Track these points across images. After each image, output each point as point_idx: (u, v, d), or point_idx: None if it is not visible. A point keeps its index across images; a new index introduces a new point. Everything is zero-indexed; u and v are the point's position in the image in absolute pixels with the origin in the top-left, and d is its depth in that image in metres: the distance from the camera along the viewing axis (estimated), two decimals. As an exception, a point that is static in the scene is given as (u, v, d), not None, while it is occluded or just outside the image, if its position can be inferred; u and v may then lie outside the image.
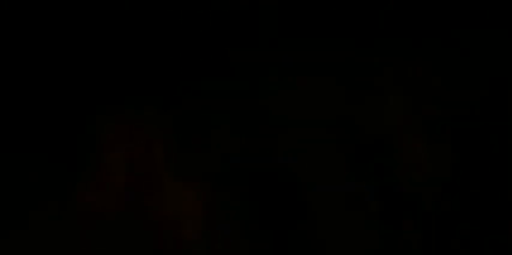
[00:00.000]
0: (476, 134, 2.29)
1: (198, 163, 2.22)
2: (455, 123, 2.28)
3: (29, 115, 2.21)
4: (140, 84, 2.25)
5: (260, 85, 2.32)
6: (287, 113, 2.32)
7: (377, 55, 2.35)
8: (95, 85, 2.23)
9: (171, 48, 2.28)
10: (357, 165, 2.28)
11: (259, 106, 2.33)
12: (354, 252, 2.20)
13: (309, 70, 2.34)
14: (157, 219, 2.14)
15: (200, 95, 2.30)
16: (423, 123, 2.29)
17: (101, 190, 2.14)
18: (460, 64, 2.33)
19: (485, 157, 2.30)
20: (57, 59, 2.28)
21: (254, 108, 2.31)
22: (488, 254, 2.26)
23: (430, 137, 2.27)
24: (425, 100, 2.31)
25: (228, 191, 2.22)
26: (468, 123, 2.28)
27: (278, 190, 2.23)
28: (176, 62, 2.28)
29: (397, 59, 2.37)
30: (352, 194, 2.26)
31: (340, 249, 2.20)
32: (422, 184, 2.26)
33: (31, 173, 2.16)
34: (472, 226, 2.28)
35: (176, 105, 2.26)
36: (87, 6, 2.16)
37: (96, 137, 2.19)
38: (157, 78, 2.26)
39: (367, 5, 2.37)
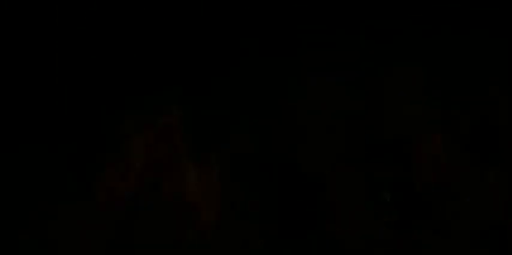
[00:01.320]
0: (493, 133, 2.29)
1: (216, 149, 2.25)
2: (471, 121, 2.28)
3: (53, 107, 2.27)
4: (161, 75, 2.29)
5: (281, 82, 2.35)
6: (306, 109, 2.34)
7: (394, 56, 2.38)
8: (116, 76, 2.28)
9: (193, 42, 2.33)
10: (375, 163, 2.29)
11: (279, 102, 2.35)
12: (367, 247, 2.20)
13: (327, 69, 2.37)
14: (176, 202, 2.17)
15: (220, 88, 2.34)
16: (441, 122, 2.29)
17: (122, 173, 2.18)
18: (476, 65, 2.35)
19: (499, 154, 2.30)
20: (83, 57, 2.35)
21: (274, 103, 2.33)
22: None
23: (447, 135, 2.27)
24: (444, 99, 2.31)
25: (244, 176, 2.24)
26: (484, 121, 2.28)
27: (293, 181, 2.24)
28: (197, 54, 2.33)
29: (415, 59, 2.40)
30: (368, 190, 2.27)
31: (354, 241, 2.20)
32: (438, 182, 2.25)
33: (55, 160, 2.20)
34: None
35: (195, 95, 2.30)
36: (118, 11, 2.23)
37: (117, 124, 2.23)
38: (179, 69, 2.30)
39: (387, 6, 2.40)
